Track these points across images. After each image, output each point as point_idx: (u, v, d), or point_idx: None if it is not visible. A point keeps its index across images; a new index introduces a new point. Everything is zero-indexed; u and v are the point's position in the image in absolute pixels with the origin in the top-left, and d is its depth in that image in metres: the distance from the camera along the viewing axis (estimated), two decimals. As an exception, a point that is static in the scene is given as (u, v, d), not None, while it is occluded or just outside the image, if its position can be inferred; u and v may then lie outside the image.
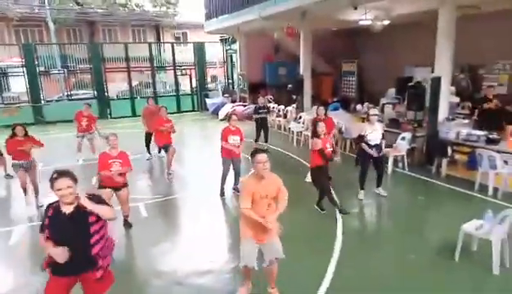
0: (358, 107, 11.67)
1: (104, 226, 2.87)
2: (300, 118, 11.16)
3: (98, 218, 2.79)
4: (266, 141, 9.60)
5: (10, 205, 6.98)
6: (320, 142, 5.53)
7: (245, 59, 16.76)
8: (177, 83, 18.59)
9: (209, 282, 4.14)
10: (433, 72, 8.01)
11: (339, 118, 9.86)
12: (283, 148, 10.18)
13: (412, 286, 3.97)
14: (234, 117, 6.61)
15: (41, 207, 6.23)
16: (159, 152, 9.15)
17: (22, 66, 15.63)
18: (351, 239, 5.02)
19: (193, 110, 18.52)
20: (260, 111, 9.70)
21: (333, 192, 5.87)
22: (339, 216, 5.65)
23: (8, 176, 8.03)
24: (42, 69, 16.64)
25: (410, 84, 8.93)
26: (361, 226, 5.70)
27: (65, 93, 17.59)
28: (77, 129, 9.27)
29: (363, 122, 9.95)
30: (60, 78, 17.92)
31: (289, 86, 15.09)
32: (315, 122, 5.79)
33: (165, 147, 7.91)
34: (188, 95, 18.95)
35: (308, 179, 6.75)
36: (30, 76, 15.49)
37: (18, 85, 16.94)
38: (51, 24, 20.69)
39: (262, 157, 3.33)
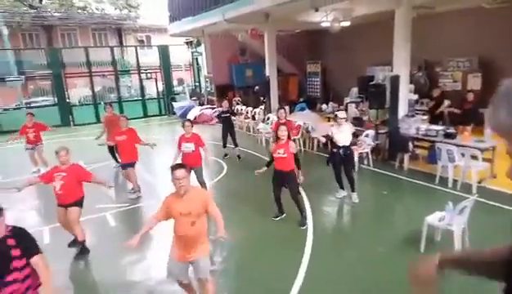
0: (323, 106, 11.95)
1: (29, 267, 2.58)
2: (268, 118, 11.25)
3: (24, 254, 2.56)
4: (236, 146, 9.42)
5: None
6: (272, 147, 5.39)
7: (211, 61, 16.71)
8: (142, 87, 18.20)
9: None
10: (392, 71, 8.35)
11: (306, 117, 10.05)
12: (252, 149, 10.22)
13: (381, 277, 4.11)
14: (187, 123, 6.36)
15: None
16: (117, 162, 8.27)
17: (-27, 74, 14.75)
18: (321, 238, 5.12)
19: (160, 114, 18.20)
20: (223, 115, 9.32)
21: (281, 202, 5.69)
22: (309, 216, 5.74)
23: None
24: (-4, 76, 15.77)
25: (371, 83, 9.26)
26: (331, 224, 5.84)
27: (23, 101, 16.74)
28: (25, 142, 8.76)
29: (329, 121, 10.22)
30: (16, 85, 17.03)
31: (257, 87, 15.19)
32: (277, 126, 5.67)
33: (129, 165, 7.01)
34: (154, 99, 18.59)
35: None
36: (-17, 84, 14.64)
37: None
38: (3, 28, 19.62)
39: (178, 173, 3.17)
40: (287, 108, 10.91)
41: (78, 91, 18.66)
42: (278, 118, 7.29)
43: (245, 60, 16.87)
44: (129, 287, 4.26)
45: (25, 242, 2.62)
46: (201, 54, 17.68)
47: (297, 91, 16.44)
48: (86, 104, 17.22)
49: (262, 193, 6.26)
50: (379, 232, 5.26)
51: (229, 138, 9.31)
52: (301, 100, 14.32)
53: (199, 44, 17.74)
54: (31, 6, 23.19)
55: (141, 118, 17.21)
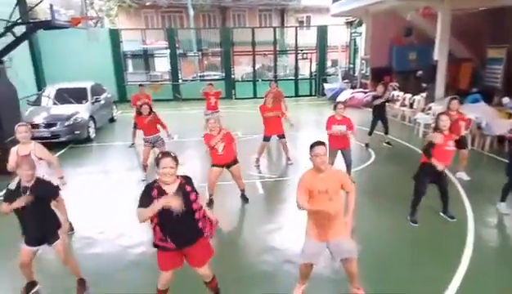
0: (505, 100, 9.95)
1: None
2: (429, 108, 10.09)
3: (197, 197, 3.08)
4: (386, 133, 8.89)
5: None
6: (439, 136, 4.73)
7: (371, 42, 15.84)
8: (296, 67, 18.77)
9: (319, 265, 4.15)
10: None
11: (479, 111, 8.60)
12: (406, 140, 9.43)
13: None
14: (340, 105, 6.34)
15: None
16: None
17: (166, 48, 17.86)
18: (483, 253, 4.41)
19: (310, 95, 18.49)
20: (377, 101, 8.76)
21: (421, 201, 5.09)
22: (471, 225, 5.00)
23: (132, 145, 9.50)
24: (181, 51, 18.71)
25: None
26: (497, 240, 4.94)
27: (198, 74, 19.47)
28: (206, 107, 10.05)
29: (510, 117, 8.51)
30: (194, 60, 19.89)
31: (419, 72, 13.73)
32: (437, 116, 4.98)
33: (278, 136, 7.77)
34: (306, 79, 18.97)
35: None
36: (172, 57, 17.61)
37: (161, 65, 19.48)
38: (190, 11, 22.95)
39: (320, 149, 3.20)
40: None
41: (240, 68, 20.56)
42: (449, 108, 6.32)
43: (410, 41, 15.36)
44: (269, 251, 4.59)
45: (194, 186, 3.16)
46: (360, 34, 16.95)
47: (469, 79, 14.13)
48: (246, 81, 18.89)
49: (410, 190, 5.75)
50: None
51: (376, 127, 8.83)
52: (473, 90, 12.28)
53: (360, 24, 17.02)
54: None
55: (293, 96, 17.83)
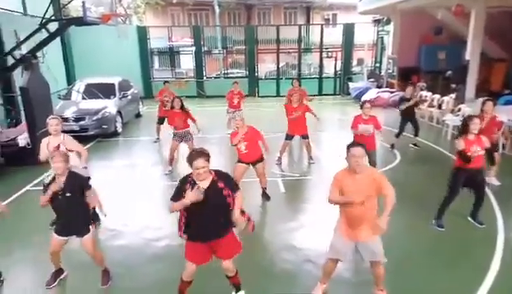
0: (541, 102, 9.50)
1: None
2: (459, 110, 9.76)
3: (232, 193, 3.09)
4: (416, 135, 8.61)
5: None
6: (462, 143, 4.58)
7: (398, 41, 15.46)
8: (321, 66, 18.55)
9: (341, 266, 4.11)
10: None
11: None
12: (433, 142, 9.16)
13: None
14: (367, 104, 6.20)
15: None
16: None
17: (191, 46, 18.05)
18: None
19: (334, 94, 18.23)
20: (406, 103, 8.37)
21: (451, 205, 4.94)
22: (501, 232, 4.82)
23: (157, 140, 9.66)
24: (205, 48, 18.84)
25: None
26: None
27: (223, 71, 19.58)
28: (228, 106, 10.19)
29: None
30: (219, 58, 20.02)
31: (449, 72, 13.33)
32: (468, 118, 4.74)
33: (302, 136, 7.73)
34: (331, 77, 18.71)
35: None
36: (197, 54, 17.78)
37: (186, 62, 19.69)
38: (216, 8, 23.10)
39: (356, 151, 3.14)
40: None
41: (264, 65, 20.52)
42: (482, 110, 5.93)
43: (440, 40, 14.89)
44: (290, 250, 4.59)
45: (230, 182, 3.16)
46: (388, 33, 16.58)
47: (502, 80, 13.58)
48: (270, 79, 18.84)
49: (440, 195, 5.59)
50: None
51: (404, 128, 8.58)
52: (506, 91, 11.79)
53: (388, 22, 16.65)
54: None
55: (317, 95, 17.62)
